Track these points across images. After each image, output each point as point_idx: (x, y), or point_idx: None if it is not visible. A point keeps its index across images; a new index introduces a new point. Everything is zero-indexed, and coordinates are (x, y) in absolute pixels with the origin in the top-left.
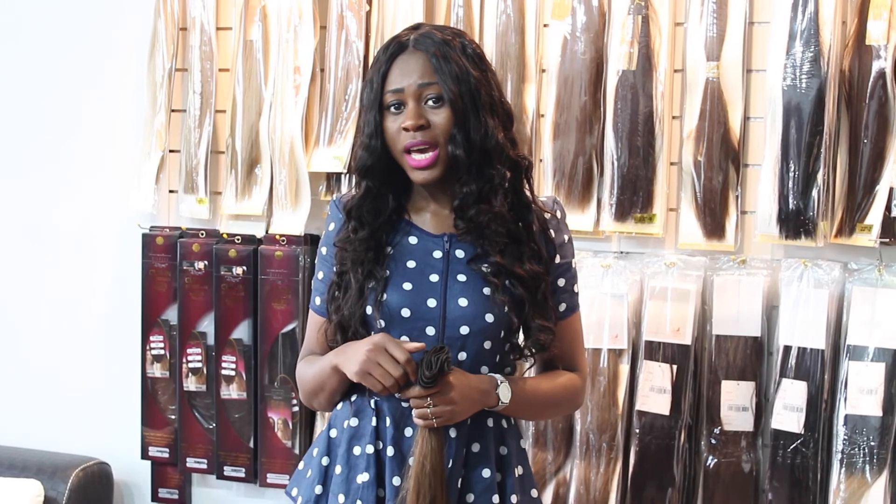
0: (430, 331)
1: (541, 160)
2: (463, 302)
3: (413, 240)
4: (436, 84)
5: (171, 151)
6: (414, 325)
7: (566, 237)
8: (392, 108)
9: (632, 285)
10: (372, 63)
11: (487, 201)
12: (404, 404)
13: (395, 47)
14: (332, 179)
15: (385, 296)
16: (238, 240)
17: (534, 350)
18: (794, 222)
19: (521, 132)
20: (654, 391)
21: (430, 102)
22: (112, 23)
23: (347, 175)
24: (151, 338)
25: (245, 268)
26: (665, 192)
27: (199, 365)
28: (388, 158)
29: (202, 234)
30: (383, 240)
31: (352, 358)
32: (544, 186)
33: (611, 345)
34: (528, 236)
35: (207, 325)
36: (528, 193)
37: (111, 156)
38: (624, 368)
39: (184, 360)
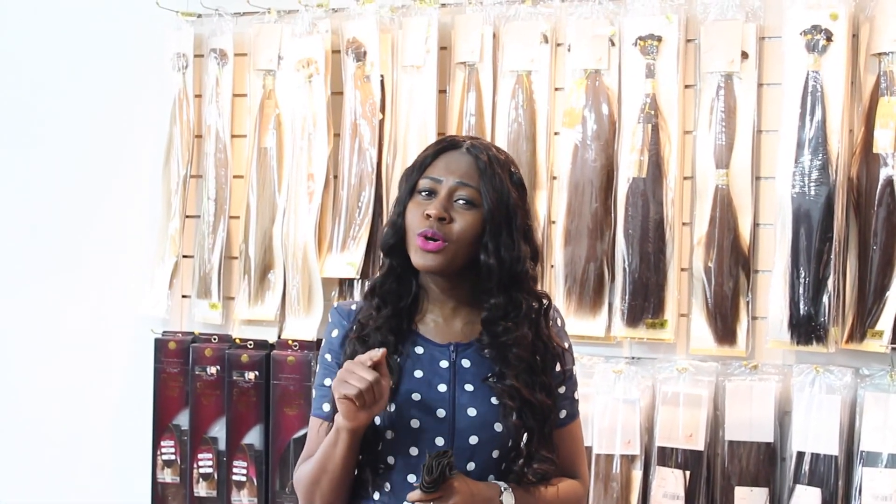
0: (440, 441)
1: (552, 266)
2: (472, 412)
3: (419, 349)
4: (474, 188)
5: (184, 257)
6: (423, 436)
7: (566, 345)
8: (423, 193)
9: (644, 390)
10: (418, 157)
11: (515, 322)
12: None
13: (448, 144)
14: (345, 285)
15: (393, 406)
16: (250, 345)
17: (533, 479)
18: (806, 328)
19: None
20: (668, 497)
21: (461, 202)
22: (128, 128)
23: (360, 280)
24: (162, 443)
25: (257, 373)
26: (676, 298)
27: (210, 470)
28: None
29: (215, 339)
30: (403, 327)
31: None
32: (556, 293)
33: (623, 450)
34: (542, 368)
35: (219, 431)
36: (547, 331)
37: (125, 260)
38: (637, 474)
39: (195, 466)
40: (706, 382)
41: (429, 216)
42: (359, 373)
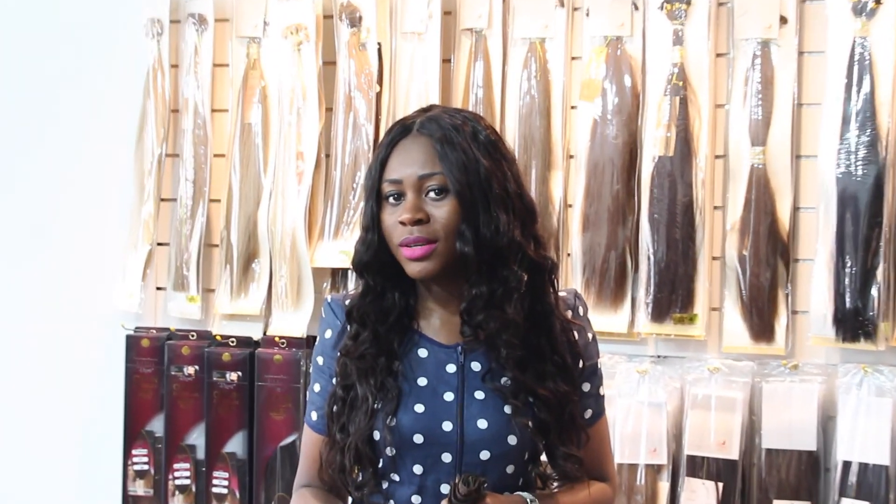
0: (447, 457)
1: (569, 255)
2: (482, 423)
3: (423, 352)
4: (439, 174)
5: (159, 245)
6: (428, 452)
7: (590, 336)
8: (391, 199)
9: (671, 393)
10: (376, 147)
11: (499, 306)
12: None
13: (398, 131)
14: (338, 276)
15: (395, 420)
16: (233, 342)
17: (557, 481)
18: (852, 323)
19: (547, 225)
20: None
21: (432, 194)
22: (96, 102)
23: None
24: (134, 451)
25: (240, 373)
26: (707, 290)
27: (188, 482)
28: (388, 253)
29: (193, 336)
30: (394, 347)
31: None
32: (573, 284)
33: (648, 460)
34: (552, 350)
35: (197, 438)
36: (552, 299)
37: (93, 249)
38: (663, 486)
39: (170, 477)
40: (741, 384)
41: (404, 223)
42: None
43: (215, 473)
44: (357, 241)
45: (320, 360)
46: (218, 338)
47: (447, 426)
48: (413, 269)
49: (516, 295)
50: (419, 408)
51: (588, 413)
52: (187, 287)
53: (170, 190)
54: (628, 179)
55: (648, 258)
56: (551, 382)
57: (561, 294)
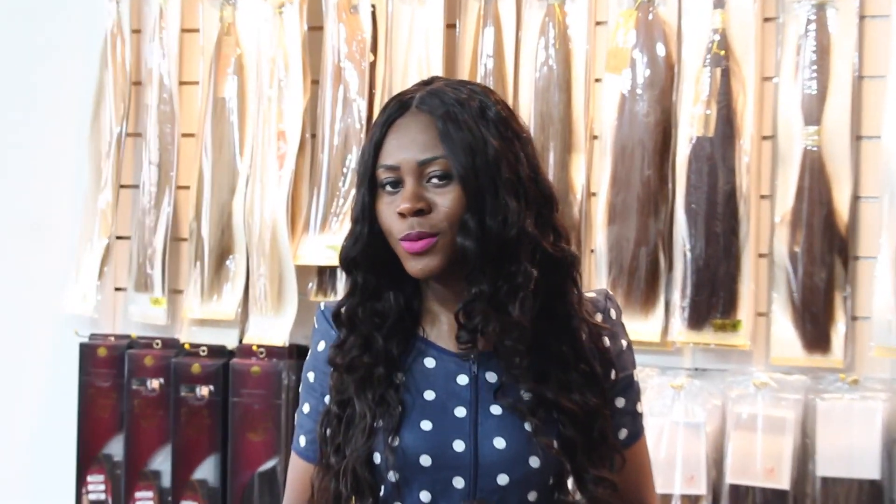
0: (459, 482)
1: (592, 251)
2: (499, 443)
3: (430, 361)
4: (441, 158)
5: (118, 238)
6: (437, 476)
7: (624, 343)
8: (388, 187)
9: (711, 412)
10: (371, 126)
11: (503, 308)
12: None
13: (395, 108)
14: (326, 275)
15: (398, 439)
16: (204, 351)
17: None
18: None
19: (567, 216)
20: None
21: (435, 180)
22: (46, 74)
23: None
24: (89, 478)
25: (212, 387)
26: (752, 292)
27: None
28: (383, 248)
29: (157, 345)
30: (394, 355)
31: None
32: (596, 284)
33: (685, 489)
34: (576, 357)
35: (162, 462)
36: (574, 298)
37: (43, 243)
38: None
39: None
40: (791, 401)
41: (403, 214)
42: None
43: (183, 503)
44: (347, 235)
45: (311, 376)
46: (186, 346)
47: (459, 446)
48: (413, 266)
49: (522, 293)
50: (426, 425)
51: (623, 433)
52: (151, 287)
53: (131, 175)
54: (661, 164)
55: (684, 255)
56: (577, 394)
57: (589, 295)
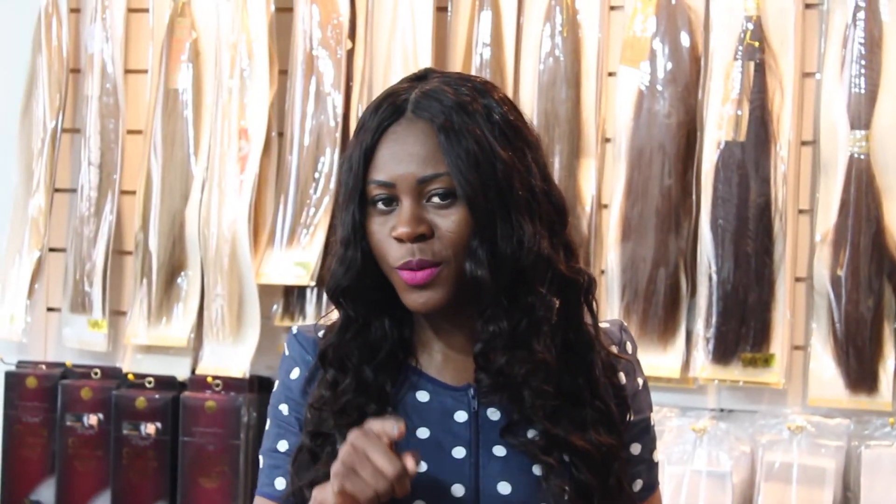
0: None
1: (602, 271)
2: (504, 488)
3: (423, 395)
4: (444, 175)
5: (52, 250)
6: None
7: (640, 381)
8: (380, 204)
9: (739, 459)
10: (356, 128)
11: (525, 345)
12: None
13: (388, 111)
14: (293, 296)
15: None
16: (150, 383)
17: None
18: None
19: (574, 231)
20: None
21: (436, 199)
22: None
23: (316, 289)
24: None
25: (160, 425)
26: (788, 322)
27: None
28: (375, 273)
29: (96, 374)
30: (385, 389)
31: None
32: (607, 311)
33: None
34: (591, 393)
35: None
36: (590, 325)
37: None
38: None
39: None
40: (833, 448)
41: (401, 239)
42: (375, 461)
43: None
44: (332, 256)
45: (285, 409)
46: (130, 377)
47: (458, 490)
48: (414, 300)
49: (546, 327)
50: (420, 467)
51: (638, 485)
52: (89, 308)
53: (67, 178)
54: (684, 172)
55: (710, 278)
56: (592, 433)
57: (603, 325)
